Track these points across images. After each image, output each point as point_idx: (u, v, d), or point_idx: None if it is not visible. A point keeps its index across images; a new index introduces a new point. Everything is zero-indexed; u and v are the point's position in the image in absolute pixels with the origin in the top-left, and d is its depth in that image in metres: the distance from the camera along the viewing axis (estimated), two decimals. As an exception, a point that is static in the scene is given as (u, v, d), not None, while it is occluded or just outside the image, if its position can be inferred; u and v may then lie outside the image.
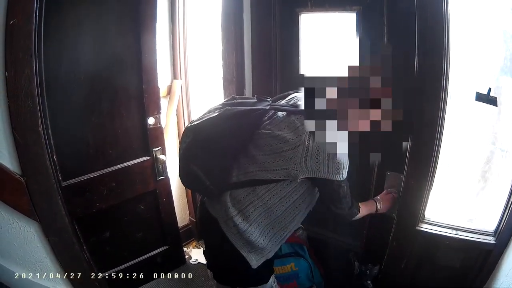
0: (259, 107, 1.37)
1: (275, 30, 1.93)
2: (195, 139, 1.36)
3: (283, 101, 1.41)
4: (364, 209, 1.51)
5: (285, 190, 1.28)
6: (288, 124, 1.26)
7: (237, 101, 1.47)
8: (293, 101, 1.37)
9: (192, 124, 1.41)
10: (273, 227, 1.33)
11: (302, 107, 1.20)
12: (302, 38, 1.92)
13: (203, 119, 1.37)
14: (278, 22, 1.90)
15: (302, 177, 1.23)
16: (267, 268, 1.43)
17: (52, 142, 1.64)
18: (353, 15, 1.74)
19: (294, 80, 1.90)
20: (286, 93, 1.47)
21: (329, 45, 1.89)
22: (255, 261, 1.34)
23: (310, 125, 1.14)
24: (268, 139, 1.27)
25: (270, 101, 1.42)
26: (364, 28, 1.72)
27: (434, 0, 1.36)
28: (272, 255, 1.40)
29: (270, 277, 1.45)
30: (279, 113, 1.32)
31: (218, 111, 1.36)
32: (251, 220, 1.30)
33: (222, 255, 1.41)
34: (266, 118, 1.34)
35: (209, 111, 1.42)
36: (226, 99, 1.53)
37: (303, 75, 1.85)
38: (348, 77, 1.09)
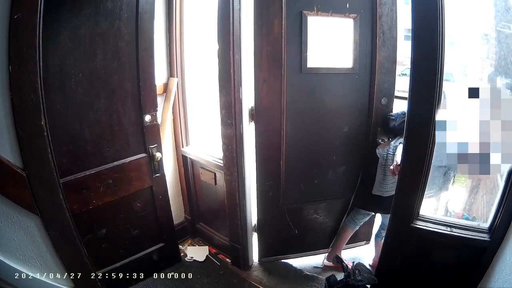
0: None
1: (285, 30, 2.08)
2: None
3: None
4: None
5: None
6: None
7: None
8: None
9: None
10: None
11: None
12: (309, 37, 2.13)
13: None
14: (287, 23, 2.07)
15: None
16: None
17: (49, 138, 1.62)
18: (351, 21, 2.14)
19: (302, 76, 2.18)
20: None
21: (330, 44, 2.24)
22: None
23: None
24: None
25: None
26: (359, 31, 2.14)
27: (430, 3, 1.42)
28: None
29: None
30: None
31: None
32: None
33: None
34: None
35: None
36: None
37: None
38: None
